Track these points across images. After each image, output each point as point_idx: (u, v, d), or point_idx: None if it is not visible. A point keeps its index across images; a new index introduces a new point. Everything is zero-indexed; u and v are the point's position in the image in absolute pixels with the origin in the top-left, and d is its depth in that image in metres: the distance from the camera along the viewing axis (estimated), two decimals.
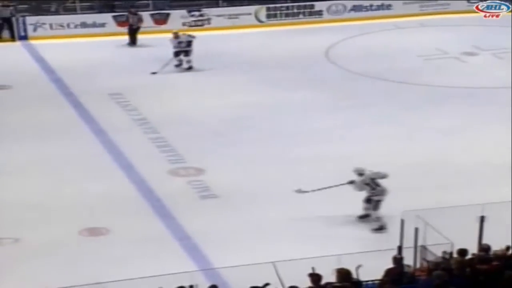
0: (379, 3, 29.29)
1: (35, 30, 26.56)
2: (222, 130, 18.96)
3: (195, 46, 23.37)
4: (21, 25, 26.50)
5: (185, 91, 21.90)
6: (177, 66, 23.23)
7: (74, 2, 27.45)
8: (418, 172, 16.51)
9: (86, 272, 12.70)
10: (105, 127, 18.96)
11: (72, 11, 27.43)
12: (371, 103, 20.68)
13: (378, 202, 14.34)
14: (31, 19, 26.60)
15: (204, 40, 24.57)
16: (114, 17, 27.04)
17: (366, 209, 14.47)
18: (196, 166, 16.88)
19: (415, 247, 12.06)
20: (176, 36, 23.30)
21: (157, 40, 25.03)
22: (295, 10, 28.81)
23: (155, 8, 27.93)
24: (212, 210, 15.01)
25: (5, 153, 17.52)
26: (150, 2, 28.10)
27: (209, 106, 20.53)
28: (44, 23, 26.71)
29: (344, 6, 29.06)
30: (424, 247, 12.01)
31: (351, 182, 14.42)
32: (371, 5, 29.24)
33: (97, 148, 17.80)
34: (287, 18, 28.68)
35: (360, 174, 14.42)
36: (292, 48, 25.80)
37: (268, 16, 28.62)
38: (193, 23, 27.71)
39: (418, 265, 11.95)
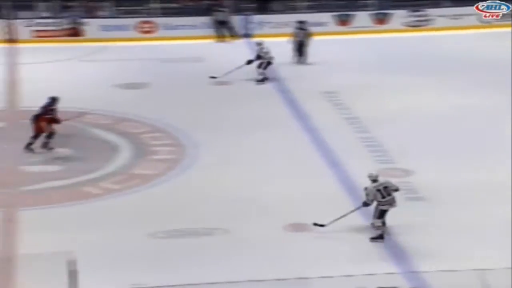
0: None
1: (258, 28, 27.33)
2: (436, 132, 18.53)
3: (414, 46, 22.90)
4: (245, 23, 27.38)
5: (401, 91, 21.62)
6: (259, 81, 22.33)
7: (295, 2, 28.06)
8: None
9: (289, 267, 12.80)
10: (316, 124, 19.14)
11: (293, 10, 28.00)
12: None
13: (384, 212, 13.64)
14: (255, 18, 27.47)
15: (426, 40, 24.21)
16: (333, 16, 27.29)
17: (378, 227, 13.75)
18: (405, 168, 16.59)
19: None
20: (261, 47, 22.51)
21: (376, 40, 24.86)
22: None
23: (378, 8, 27.83)
24: (417, 212, 14.68)
25: (224, 145, 18.09)
26: (374, 1, 28.04)
27: (424, 107, 20.16)
28: (269, 22, 27.48)
29: None
30: None
31: (366, 205, 13.76)
32: None
33: (306, 145, 17.97)
34: None
35: (374, 180, 13.75)
36: None
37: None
38: (413, 23, 27.34)
39: None
